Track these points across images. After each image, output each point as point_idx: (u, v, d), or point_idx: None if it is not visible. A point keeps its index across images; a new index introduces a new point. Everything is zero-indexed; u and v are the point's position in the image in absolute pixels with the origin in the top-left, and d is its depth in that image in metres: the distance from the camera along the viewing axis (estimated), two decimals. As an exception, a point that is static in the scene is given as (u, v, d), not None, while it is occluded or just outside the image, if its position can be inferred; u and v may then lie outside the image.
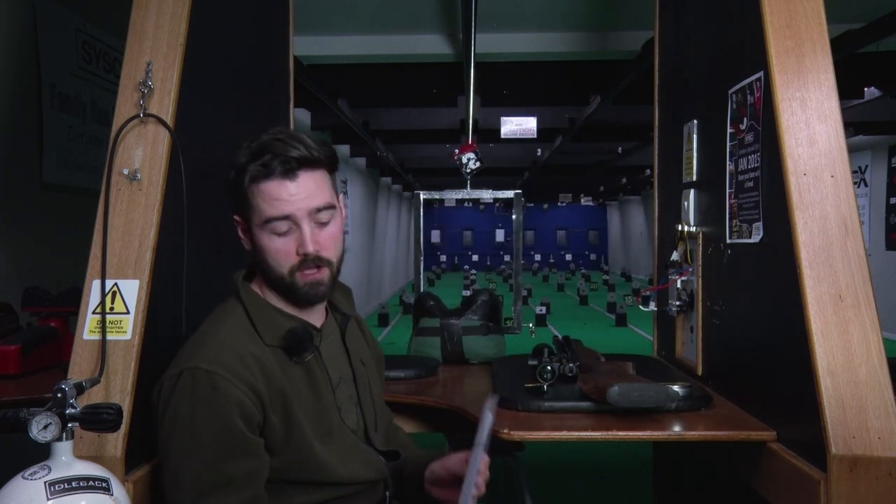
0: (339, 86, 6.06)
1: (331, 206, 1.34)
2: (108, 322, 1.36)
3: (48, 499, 1.04)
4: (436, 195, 3.23)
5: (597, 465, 4.40)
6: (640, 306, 2.31)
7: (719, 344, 1.85)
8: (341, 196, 1.43)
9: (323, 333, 1.42)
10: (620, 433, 1.50)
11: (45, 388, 1.27)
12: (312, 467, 1.31)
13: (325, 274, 1.34)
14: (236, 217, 1.37)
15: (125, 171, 1.45)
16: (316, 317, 1.42)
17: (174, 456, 1.23)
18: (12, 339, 1.91)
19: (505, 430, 1.50)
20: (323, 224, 1.33)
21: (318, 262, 1.32)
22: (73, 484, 1.07)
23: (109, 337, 1.36)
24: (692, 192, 2.02)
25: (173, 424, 1.23)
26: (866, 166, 9.80)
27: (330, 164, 1.36)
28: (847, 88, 5.83)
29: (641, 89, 3.42)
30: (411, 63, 5.53)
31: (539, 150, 10.37)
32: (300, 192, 1.30)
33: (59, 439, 1.09)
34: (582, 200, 24.37)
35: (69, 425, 1.10)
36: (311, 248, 1.30)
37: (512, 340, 2.54)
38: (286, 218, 1.30)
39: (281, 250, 1.31)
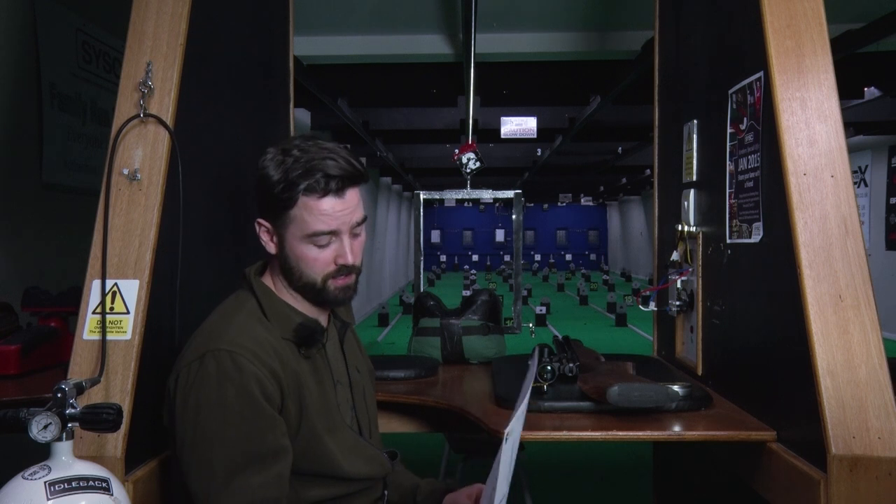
0: (339, 86, 6.06)
1: (365, 219, 1.40)
2: (108, 322, 1.36)
3: (48, 499, 1.04)
4: (436, 195, 3.23)
5: (597, 465, 4.40)
6: (640, 306, 2.31)
7: (719, 344, 1.85)
8: None
9: (327, 335, 1.44)
10: (620, 433, 1.50)
11: (45, 388, 1.27)
12: (321, 459, 1.33)
13: (353, 279, 1.40)
14: (262, 220, 1.39)
15: (125, 171, 1.45)
16: (321, 319, 1.44)
17: (203, 440, 1.23)
18: (12, 339, 1.91)
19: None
20: (356, 235, 1.39)
21: (352, 270, 1.38)
22: (73, 484, 1.07)
23: (109, 337, 1.36)
24: (692, 192, 2.02)
25: (199, 408, 1.24)
26: (866, 166, 9.80)
27: (366, 178, 1.42)
28: (847, 88, 5.83)
29: (641, 89, 3.42)
30: (411, 63, 5.52)
31: (539, 150, 10.37)
32: (346, 209, 1.35)
33: (59, 439, 1.09)
34: (582, 200, 24.36)
35: (69, 425, 1.10)
36: (350, 260, 1.36)
37: (512, 340, 2.54)
38: (331, 233, 1.34)
39: (319, 260, 1.35)
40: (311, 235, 1.33)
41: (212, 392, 1.23)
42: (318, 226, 1.33)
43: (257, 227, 1.40)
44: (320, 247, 1.35)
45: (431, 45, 5.01)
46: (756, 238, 1.61)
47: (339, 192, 1.33)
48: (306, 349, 1.36)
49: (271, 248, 1.39)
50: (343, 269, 1.36)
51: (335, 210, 1.33)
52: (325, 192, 1.32)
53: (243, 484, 1.22)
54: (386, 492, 1.48)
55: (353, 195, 1.36)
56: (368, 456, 1.42)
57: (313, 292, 1.37)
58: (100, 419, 1.11)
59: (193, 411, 1.24)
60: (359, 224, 1.37)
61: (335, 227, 1.34)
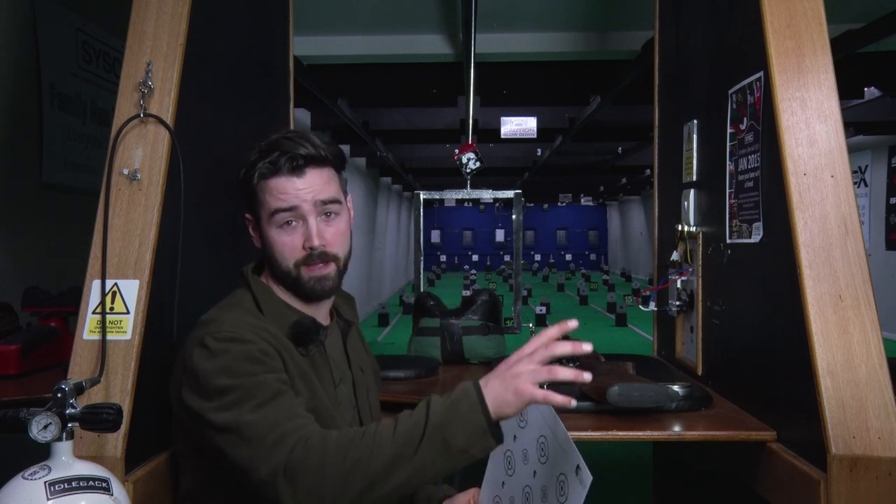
0: (339, 86, 6.06)
1: (337, 201, 1.37)
2: (108, 322, 1.36)
3: (48, 499, 1.04)
4: (436, 195, 3.23)
5: (597, 465, 4.39)
6: (640, 306, 2.31)
7: (719, 344, 1.85)
8: (349, 197, 1.45)
9: (328, 333, 1.43)
10: (620, 433, 1.50)
11: (45, 388, 1.27)
12: None
13: (331, 269, 1.36)
14: (247, 215, 1.41)
15: (125, 171, 1.45)
16: (321, 316, 1.43)
17: (224, 405, 1.18)
18: (12, 339, 1.91)
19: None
20: (329, 219, 1.36)
21: (324, 257, 1.35)
22: (73, 484, 1.07)
23: (109, 337, 1.36)
24: (692, 192, 2.02)
25: (209, 377, 1.20)
26: (866, 166, 9.80)
27: (337, 163, 1.40)
28: (847, 88, 5.83)
29: (641, 89, 3.42)
30: (411, 63, 5.52)
31: (539, 150, 10.37)
32: (306, 187, 1.33)
33: (59, 439, 1.09)
34: (582, 200, 24.36)
35: (69, 425, 1.10)
36: (316, 242, 1.33)
37: (512, 340, 2.54)
38: (292, 209, 1.33)
39: (287, 244, 1.34)
40: (272, 215, 1.33)
41: (218, 359, 1.21)
42: (276, 203, 1.32)
43: (247, 224, 1.41)
44: (285, 227, 1.33)
45: (431, 45, 5.01)
46: (756, 238, 1.61)
47: (295, 170, 1.32)
48: (303, 347, 1.35)
49: (257, 241, 1.40)
50: (314, 255, 1.33)
51: (292, 187, 1.32)
52: (279, 170, 1.32)
53: (277, 406, 1.17)
54: None
55: (315, 175, 1.34)
56: None
57: (290, 283, 1.36)
58: (100, 419, 1.11)
59: (206, 382, 1.20)
60: (326, 203, 1.34)
61: (294, 203, 1.32)
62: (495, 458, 1.28)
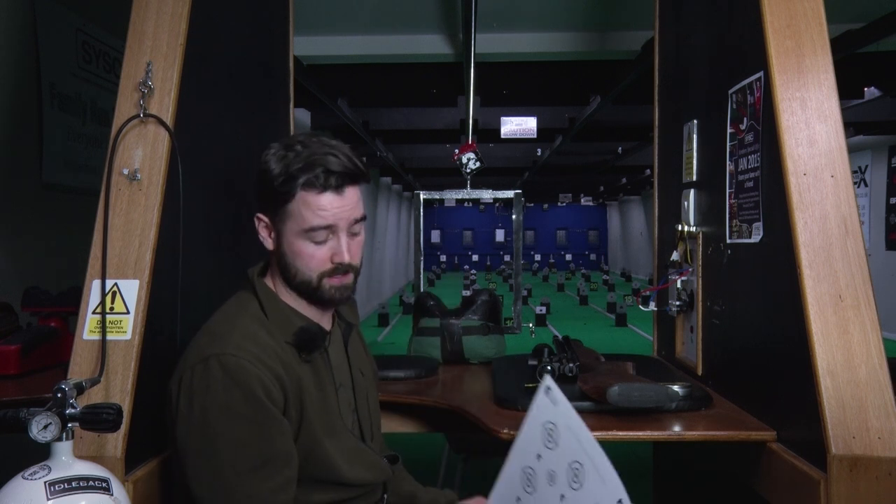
0: (339, 86, 6.06)
1: (365, 218, 1.39)
2: (108, 322, 1.36)
3: (48, 499, 1.04)
4: (436, 195, 3.23)
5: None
6: (640, 306, 2.31)
7: (719, 344, 1.85)
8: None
9: (330, 338, 1.43)
10: (620, 433, 1.50)
11: (45, 388, 1.27)
12: (321, 464, 1.32)
13: (350, 278, 1.38)
14: (261, 215, 1.38)
15: (125, 171, 1.45)
16: (325, 321, 1.43)
17: (210, 445, 1.22)
18: (12, 339, 1.91)
19: (505, 431, 1.50)
20: (355, 234, 1.37)
21: (347, 269, 1.36)
22: (73, 484, 1.07)
23: (109, 337, 1.36)
24: (692, 192, 2.02)
25: (206, 412, 1.22)
26: (866, 166, 9.80)
27: (367, 178, 1.41)
28: (847, 88, 5.82)
29: (641, 89, 3.42)
30: (411, 63, 5.52)
31: (539, 150, 10.37)
32: (345, 206, 1.34)
33: (59, 439, 1.09)
34: (582, 200, 24.36)
35: (69, 425, 1.10)
36: (346, 258, 1.35)
37: (512, 340, 2.54)
38: (327, 228, 1.33)
39: (315, 256, 1.34)
40: (307, 231, 1.32)
41: (218, 396, 1.22)
42: (314, 221, 1.31)
43: (256, 223, 1.39)
44: (317, 243, 1.33)
45: (431, 45, 5.01)
46: (756, 238, 1.61)
47: (338, 188, 1.32)
48: (306, 354, 1.34)
49: (269, 243, 1.39)
50: (340, 268, 1.35)
51: (333, 206, 1.32)
52: (324, 188, 1.31)
53: (252, 490, 1.21)
54: (385, 496, 1.48)
55: (352, 193, 1.35)
56: (369, 461, 1.41)
57: (308, 291, 1.36)
58: (100, 419, 1.11)
59: (200, 416, 1.22)
60: (357, 222, 1.36)
61: (332, 222, 1.32)
62: (509, 473, 1.23)
